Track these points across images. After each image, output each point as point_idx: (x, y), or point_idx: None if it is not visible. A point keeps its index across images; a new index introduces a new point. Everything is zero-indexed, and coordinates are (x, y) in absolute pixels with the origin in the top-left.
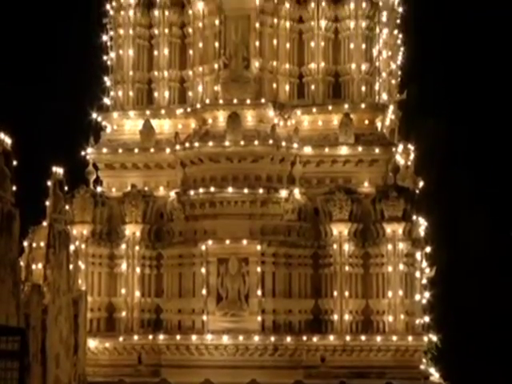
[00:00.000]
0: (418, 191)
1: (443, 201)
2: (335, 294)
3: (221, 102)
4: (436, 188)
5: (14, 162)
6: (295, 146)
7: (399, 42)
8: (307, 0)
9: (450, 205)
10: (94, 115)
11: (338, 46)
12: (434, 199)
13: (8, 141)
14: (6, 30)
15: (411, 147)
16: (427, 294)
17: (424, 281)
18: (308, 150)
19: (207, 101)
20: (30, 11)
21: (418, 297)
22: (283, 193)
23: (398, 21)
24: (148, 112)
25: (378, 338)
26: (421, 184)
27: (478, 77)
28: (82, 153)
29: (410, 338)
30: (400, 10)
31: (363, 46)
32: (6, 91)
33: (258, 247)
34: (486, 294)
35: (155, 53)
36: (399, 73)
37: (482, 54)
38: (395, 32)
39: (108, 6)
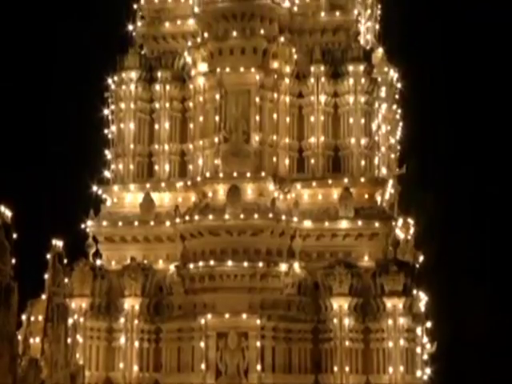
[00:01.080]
0: (418, 265)
1: (444, 275)
2: (335, 369)
3: (221, 175)
4: (436, 262)
5: (14, 235)
6: (295, 219)
7: (398, 116)
8: (307, 75)
9: (450, 279)
10: (95, 188)
11: (338, 121)
12: (435, 274)
13: (8, 214)
14: (11, 107)
15: (411, 221)
16: (428, 370)
17: (425, 356)
18: (308, 223)
19: (207, 174)
20: (31, 86)
21: (419, 373)
22: (283, 266)
23: (397, 96)
24: (148, 185)
25: None
26: (421, 258)
27: (477, 151)
28: (82, 226)
29: None
30: (398, 85)
31: (362, 120)
32: (7, 164)
33: (258, 321)
34: (487, 371)
35: (156, 126)
36: (398, 147)
37: (480, 128)
38: (394, 107)
39: (110, 81)
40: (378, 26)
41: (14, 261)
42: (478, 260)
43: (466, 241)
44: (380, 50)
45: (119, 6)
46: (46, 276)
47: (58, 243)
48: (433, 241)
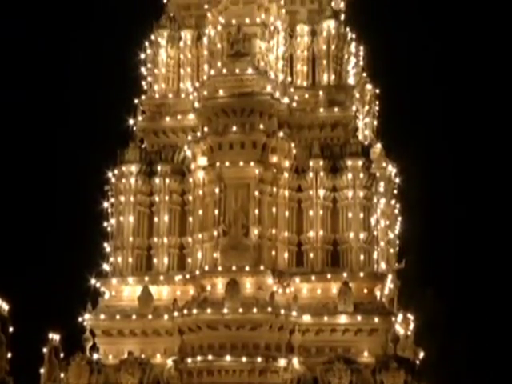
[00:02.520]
0: (418, 362)
1: (445, 372)
2: None
3: (220, 268)
4: (437, 359)
5: (11, 329)
6: (294, 314)
7: (397, 211)
8: (306, 170)
9: (451, 376)
10: (93, 281)
11: (337, 215)
12: (436, 370)
13: (5, 307)
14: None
15: (411, 317)
16: None
17: None
18: (307, 318)
19: (206, 267)
20: (32, 179)
21: None
22: (282, 362)
23: (395, 191)
24: (147, 278)
25: None
26: (421, 354)
27: (477, 246)
28: (80, 319)
29: None
30: (397, 180)
31: (361, 215)
32: (4, 257)
33: None
34: None
35: (155, 219)
36: (397, 242)
37: (480, 223)
38: (393, 202)
39: (110, 174)
40: (376, 122)
41: (9, 355)
42: (479, 357)
43: (467, 337)
44: (378, 146)
45: (120, 101)
46: (42, 370)
47: (55, 337)
48: (433, 337)
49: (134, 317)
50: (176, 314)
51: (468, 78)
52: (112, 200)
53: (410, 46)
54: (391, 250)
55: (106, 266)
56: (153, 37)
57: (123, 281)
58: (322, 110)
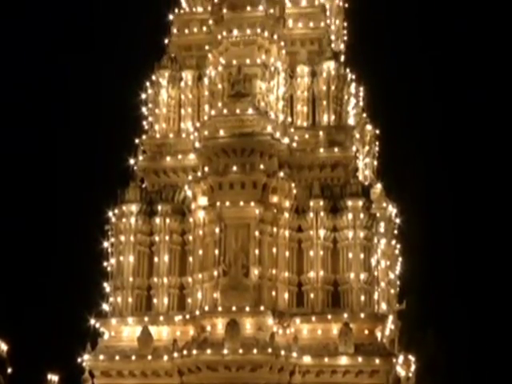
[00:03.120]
0: None
1: None
2: None
3: (220, 309)
4: None
5: (10, 369)
6: (294, 354)
7: (397, 252)
8: (306, 210)
9: None
10: (92, 321)
11: (337, 255)
12: None
13: (3, 347)
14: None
15: (412, 358)
16: None
17: None
18: (307, 359)
19: (206, 308)
20: (32, 220)
21: None
22: None
23: (396, 231)
24: (146, 318)
25: None
26: None
27: (476, 282)
28: (79, 359)
29: None
30: (397, 221)
31: (361, 255)
32: (4, 297)
33: None
34: None
35: (155, 259)
36: (398, 283)
37: (480, 255)
38: (393, 242)
39: (110, 214)
40: (376, 163)
41: None
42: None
43: (469, 378)
44: (378, 186)
45: (121, 141)
46: None
47: (54, 378)
48: (434, 378)
49: (133, 357)
50: (176, 354)
51: (467, 118)
52: (112, 239)
53: (410, 87)
54: (392, 291)
55: (105, 306)
56: (154, 77)
57: (123, 321)
58: (322, 150)
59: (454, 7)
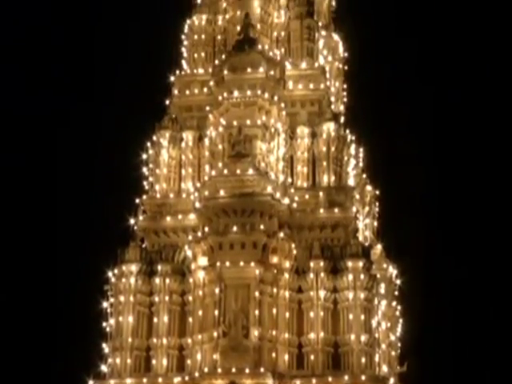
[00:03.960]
0: None
1: None
2: None
3: (219, 370)
4: None
5: None
6: None
7: (398, 313)
8: (306, 270)
9: None
10: (91, 383)
11: (338, 317)
12: None
13: None
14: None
15: None
16: None
17: None
18: None
19: (206, 369)
20: (32, 284)
21: None
22: None
23: (396, 293)
24: (145, 380)
25: None
26: None
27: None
28: None
29: None
30: (398, 282)
31: (362, 316)
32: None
33: None
34: None
35: (155, 320)
36: (399, 344)
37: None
38: (394, 303)
39: (110, 274)
40: (376, 223)
41: None
42: None
43: None
44: (379, 247)
45: (122, 201)
46: None
47: None
48: None
49: None
50: None
51: (466, 179)
52: (111, 300)
53: (409, 148)
54: (393, 353)
55: (104, 367)
56: (155, 137)
57: (121, 383)
58: (322, 210)
59: (451, 71)
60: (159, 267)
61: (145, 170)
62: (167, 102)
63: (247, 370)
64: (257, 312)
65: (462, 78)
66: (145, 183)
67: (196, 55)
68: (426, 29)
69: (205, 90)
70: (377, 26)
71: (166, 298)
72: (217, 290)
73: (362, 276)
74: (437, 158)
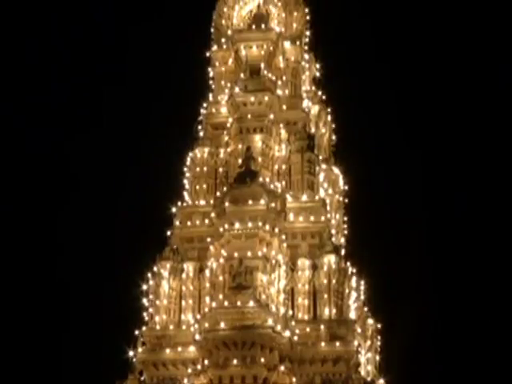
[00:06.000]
0: None
1: None
2: None
3: None
4: None
5: None
6: None
7: None
8: None
9: None
10: None
11: None
12: None
13: None
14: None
15: None
16: None
17: None
18: None
19: None
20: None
21: None
22: None
23: None
24: None
25: None
26: None
27: None
28: None
29: None
30: None
31: None
32: None
33: None
34: None
35: None
36: None
37: None
38: None
39: None
40: (378, 357)
41: None
42: None
43: None
44: (381, 382)
45: (121, 332)
46: None
47: None
48: None
49: None
50: None
51: (469, 302)
52: None
53: (411, 281)
54: None
55: None
56: (155, 268)
57: None
58: (323, 344)
59: (457, 188)
60: None
61: (145, 300)
62: (168, 233)
63: None
64: None
65: (470, 196)
66: (144, 314)
67: (198, 187)
68: (430, 146)
69: (206, 221)
70: (376, 161)
71: None
72: None
73: None
74: (438, 290)
